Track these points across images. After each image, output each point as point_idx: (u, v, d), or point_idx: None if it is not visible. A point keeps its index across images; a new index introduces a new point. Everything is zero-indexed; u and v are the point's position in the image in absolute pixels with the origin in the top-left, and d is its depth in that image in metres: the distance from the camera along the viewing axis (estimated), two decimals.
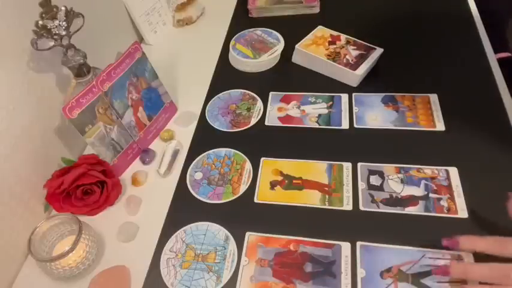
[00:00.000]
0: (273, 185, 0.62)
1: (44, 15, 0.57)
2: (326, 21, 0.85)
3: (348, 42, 0.79)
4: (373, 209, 0.57)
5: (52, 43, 0.60)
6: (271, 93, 0.76)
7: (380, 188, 0.59)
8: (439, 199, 0.56)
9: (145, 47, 0.82)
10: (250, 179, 0.64)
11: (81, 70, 0.64)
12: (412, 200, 0.57)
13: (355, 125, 0.68)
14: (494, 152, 0.60)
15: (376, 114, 0.69)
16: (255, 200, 0.61)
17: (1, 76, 0.57)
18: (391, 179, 0.59)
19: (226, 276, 0.53)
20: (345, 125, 0.68)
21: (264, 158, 0.66)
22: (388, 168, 0.61)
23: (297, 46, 0.79)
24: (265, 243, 0.56)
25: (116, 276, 0.56)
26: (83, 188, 0.62)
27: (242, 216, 0.59)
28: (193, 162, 0.68)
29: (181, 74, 0.85)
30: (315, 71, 0.79)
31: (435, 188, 0.57)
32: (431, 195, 0.57)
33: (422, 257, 0.51)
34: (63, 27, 0.60)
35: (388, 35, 0.82)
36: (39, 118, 0.64)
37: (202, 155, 0.69)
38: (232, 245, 0.56)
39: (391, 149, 0.64)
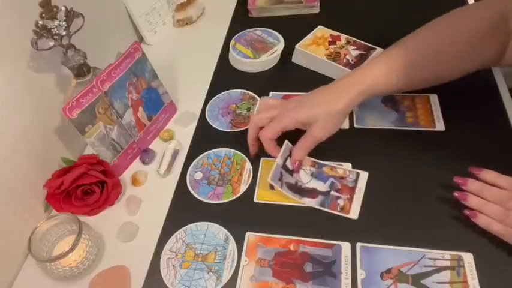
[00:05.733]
0: (272, 185, 0.62)
1: (44, 15, 0.57)
2: (326, 21, 0.85)
3: (348, 42, 0.79)
4: (277, 185, 0.59)
5: (52, 43, 0.60)
6: (271, 93, 0.76)
7: (290, 172, 0.60)
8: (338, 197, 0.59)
9: (145, 47, 0.82)
10: (250, 179, 0.64)
11: (81, 70, 0.64)
12: (312, 192, 0.60)
13: (355, 125, 0.68)
14: (494, 152, 0.60)
15: (376, 114, 0.69)
16: (255, 200, 0.61)
17: (1, 76, 0.57)
18: (303, 169, 0.61)
19: (226, 276, 0.53)
20: (345, 124, 0.68)
21: (263, 158, 0.66)
22: (305, 160, 0.62)
23: (297, 46, 0.79)
24: (265, 243, 0.56)
25: (115, 276, 0.56)
26: (83, 188, 0.62)
27: (242, 216, 0.59)
28: (193, 162, 0.68)
29: (181, 74, 0.85)
30: (315, 71, 0.79)
31: (339, 187, 0.60)
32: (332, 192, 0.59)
33: (422, 257, 0.51)
34: (63, 27, 0.60)
35: (388, 35, 0.82)
36: (39, 118, 0.64)
37: (202, 155, 0.69)
38: (232, 245, 0.56)
39: (391, 149, 0.64)
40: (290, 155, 0.61)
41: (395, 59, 0.58)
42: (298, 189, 0.60)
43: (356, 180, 0.60)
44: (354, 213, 0.57)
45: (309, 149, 0.59)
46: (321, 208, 0.58)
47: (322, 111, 0.57)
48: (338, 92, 0.58)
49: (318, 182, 0.61)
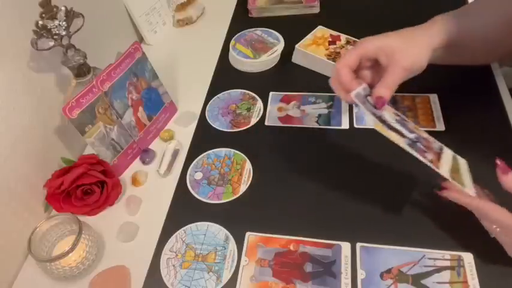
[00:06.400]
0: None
1: (44, 15, 0.57)
2: (326, 21, 0.85)
3: (348, 42, 0.79)
4: (360, 103, 0.50)
5: (52, 43, 0.60)
6: (271, 93, 0.76)
7: (374, 106, 0.52)
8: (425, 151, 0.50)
9: (145, 47, 0.82)
10: (250, 179, 0.64)
11: (81, 70, 0.64)
12: (399, 133, 0.50)
13: (355, 125, 0.68)
14: (494, 152, 0.60)
15: None
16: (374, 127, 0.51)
17: (1, 76, 0.57)
18: (387, 111, 0.53)
19: (226, 276, 0.53)
20: (345, 125, 0.68)
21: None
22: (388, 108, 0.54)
23: (297, 46, 0.79)
24: (265, 243, 0.56)
25: (115, 276, 0.56)
26: (83, 188, 0.62)
27: (242, 216, 0.59)
28: (193, 162, 0.68)
29: (181, 74, 0.85)
30: (315, 71, 0.79)
31: (425, 144, 0.51)
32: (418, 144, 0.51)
33: (422, 257, 0.51)
34: (63, 27, 0.60)
35: None
36: (39, 118, 0.64)
37: (202, 155, 0.69)
38: (232, 245, 0.56)
39: (391, 149, 0.63)
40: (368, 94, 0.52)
41: (449, 21, 0.54)
42: (383, 122, 0.50)
43: (441, 149, 0.51)
44: (445, 171, 0.47)
45: (394, 85, 0.50)
46: (410, 150, 0.47)
47: (407, 38, 0.51)
48: (414, 29, 0.54)
49: (404, 129, 0.50)
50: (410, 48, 0.50)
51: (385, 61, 0.51)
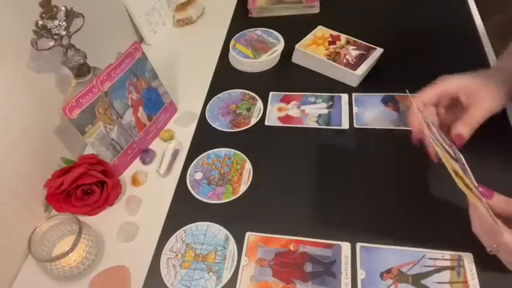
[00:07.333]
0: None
1: (44, 15, 0.57)
2: (326, 21, 0.85)
3: (348, 42, 0.79)
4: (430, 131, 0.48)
5: (52, 43, 0.60)
6: (271, 93, 0.76)
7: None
8: None
9: (145, 47, 0.82)
10: (250, 179, 0.64)
11: (81, 70, 0.64)
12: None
13: (355, 125, 0.68)
14: (494, 152, 0.60)
15: (376, 114, 0.69)
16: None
17: (1, 76, 0.57)
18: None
19: (226, 276, 0.53)
20: (345, 125, 0.68)
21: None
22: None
23: (297, 46, 0.79)
24: (265, 243, 0.56)
25: (115, 276, 0.56)
26: (83, 188, 0.62)
27: (242, 216, 0.59)
28: (193, 162, 0.68)
29: (181, 74, 0.85)
30: (315, 71, 0.79)
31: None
32: None
33: (422, 257, 0.51)
34: (63, 27, 0.60)
35: (388, 35, 0.82)
36: (39, 118, 0.64)
37: (202, 155, 0.69)
38: (232, 245, 0.56)
39: (391, 149, 0.64)
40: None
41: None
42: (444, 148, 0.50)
43: (463, 162, 0.49)
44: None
45: (476, 125, 0.51)
46: (464, 174, 0.47)
47: (489, 78, 0.52)
48: (489, 71, 0.55)
49: (450, 149, 0.50)
50: (492, 91, 0.51)
51: (466, 100, 0.51)
